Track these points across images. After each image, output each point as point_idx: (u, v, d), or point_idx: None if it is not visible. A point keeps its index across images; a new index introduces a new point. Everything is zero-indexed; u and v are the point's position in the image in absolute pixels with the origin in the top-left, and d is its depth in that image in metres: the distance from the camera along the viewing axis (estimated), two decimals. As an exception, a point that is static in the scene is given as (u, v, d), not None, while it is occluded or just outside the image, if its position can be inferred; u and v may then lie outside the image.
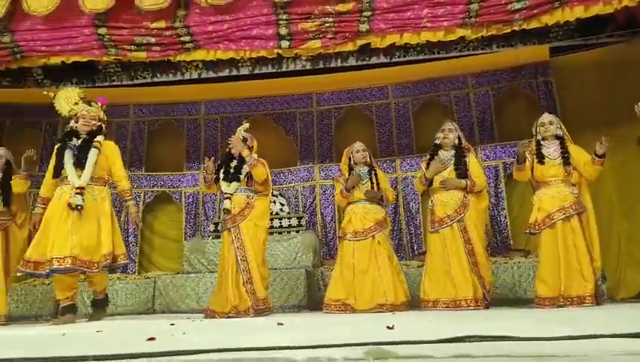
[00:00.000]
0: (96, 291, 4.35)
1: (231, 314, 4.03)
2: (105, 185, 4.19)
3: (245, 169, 4.37)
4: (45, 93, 4.26)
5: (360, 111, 6.89)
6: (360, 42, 5.08)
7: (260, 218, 4.37)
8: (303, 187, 6.70)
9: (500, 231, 5.99)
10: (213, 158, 4.52)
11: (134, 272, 6.17)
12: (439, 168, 4.43)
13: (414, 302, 4.53)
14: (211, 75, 5.99)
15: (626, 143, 5.42)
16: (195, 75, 5.98)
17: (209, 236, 6.13)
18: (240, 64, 5.88)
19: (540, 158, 4.29)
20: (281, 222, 6.17)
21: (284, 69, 5.85)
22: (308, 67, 5.83)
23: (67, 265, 3.75)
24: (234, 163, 4.43)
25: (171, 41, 5.03)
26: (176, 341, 2.03)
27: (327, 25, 4.90)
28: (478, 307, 4.11)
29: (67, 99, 4.25)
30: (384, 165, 6.33)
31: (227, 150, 4.55)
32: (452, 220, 4.33)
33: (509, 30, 4.92)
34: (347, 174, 4.78)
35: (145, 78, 6.09)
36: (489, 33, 4.93)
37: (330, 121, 6.89)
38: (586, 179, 4.27)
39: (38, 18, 4.78)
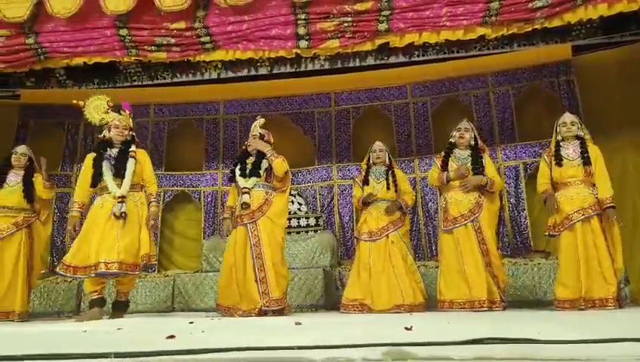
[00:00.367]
0: (121, 292, 4.39)
1: (249, 312, 3.98)
2: (141, 190, 4.37)
3: (264, 164, 4.32)
4: (74, 102, 4.37)
5: (378, 111, 6.86)
6: (379, 42, 5.06)
7: (279, 216, 4.29)
8: (321, 187, 6.70)
9: (520, 232, 5.91)
10: None
11: (154, 271, 6.23)
12: (464, 174, 4.34)
13: (432, 303, 4.50)
14: (230, 75, 6.05)
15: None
16: (214, 75, 6.04)
17: (228, 235, 6.15)
18: (259, 64, 5.92)
19: (558, 160, 4.23)
20: (299, 222, 6.18)
21: (302, 69, 5.87)
22: (326, 67, 5.84)
23: (114, 270, 3.94)
24: (251, 159, 4.40)
25: (191, 41, 5.08)
26: (195, 339, 2.05)
27: (346, 24, 4.89)
28: (494, 308, 4.06)
29: (96, 108, 4.35)
30: (402, 165, 6.29)
31: (244, 147, 4.55)
32: (466, 220, 4.28)
33: (530, 29, 4.86)
34: (364, 173, 4.83)
35: (165, 78, 6.17)
36: (510, 32, 4.87)
37: (348, 121, 6.88)
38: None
39: (61, 20, 4.87)
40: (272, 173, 4.34)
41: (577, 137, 4.26)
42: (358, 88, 6.89)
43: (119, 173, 4.22)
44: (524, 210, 5.95)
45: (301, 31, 4.94)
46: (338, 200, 6.59)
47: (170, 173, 6.84)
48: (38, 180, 4.76)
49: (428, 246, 6.23)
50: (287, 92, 6.96)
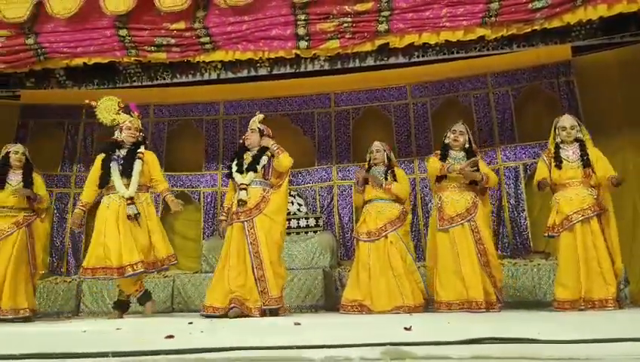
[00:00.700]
0: (124, 292, 4.42)
1: (233, 307, 3.90)
2: (147, 192, 4.47)
3: (263, 160, 4.28)
4: (87, 102, 4.51)
5: (378, 112, 6.86)
6: (378, 42, 5.06)
7: (277, 213, 4.21)
8: (321, 187, 6.70)
9: (519, 233, 5.91)
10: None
11: (153, 271, 6.22)
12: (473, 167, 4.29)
13: (431, 303, 4.48)
14: (230, 75, 6.03)
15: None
16: (214, 76, 6.03)
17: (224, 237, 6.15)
18: (258, 65, 5.91)
19: (558, 162, 4.23)
20: (298, 223, 6.18)
21: (302, 70, 5.87)
22: (326, 67, 5.83)
23: (140, 269, 4.07)
24: (248, 154, 4.35)
25: (191, 42, 5.08)
26: (194, 339, 2.05)
27: (346, 25, 4.89)
28: (491, 308, 4.05)
29: (107, 108, 4.46)
30: (402, 166, 6.25)
31: (241, 142, 4.49)
32: (463, 219, 4.25)
33: (529, 29, 4.85)
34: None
35: (165, 78, 6.17)
36: (509, 33, 4.87)
37: (348, 122, 6.88)
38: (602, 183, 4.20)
39: (61, 20, 4.87)
40: (271, 170, 4.29)
41: (577, 140, 4.27)
42: (357, 89, 6.89)
43: (127, 174, 4.29)
44: (524, 210, 5.95)
45: (301, 31, 4.94)
46: (338, 200, 6.59)
47: (169, 173, 6.82)
48: (37, 178, 4.77)
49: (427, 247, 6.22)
50: (287, 92, 6.96)
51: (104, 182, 4.33)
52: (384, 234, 4.48)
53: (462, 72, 6.49)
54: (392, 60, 5.80)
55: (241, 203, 4.13)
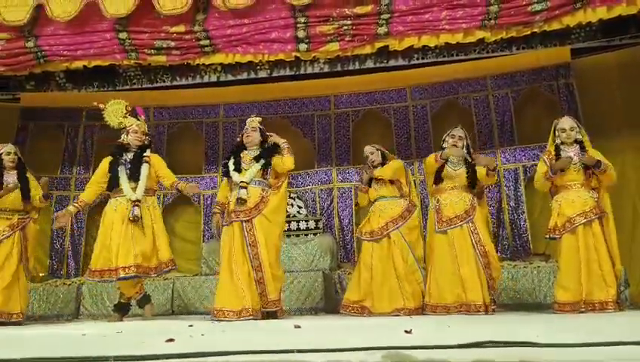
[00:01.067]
0: (125, 295, 4.43)
1: (244, 315, 3.84)
2: (154, 195, 4.52)
3: (263, 160, 4.23)
4: (95, 104, 4.55)
5: (378, 114, 6.87)
6: (378, 45, 5.06)
7: (276, 214, 4.17)
8: (321, 190, 6.69)
9: (519, 235, 5.91)
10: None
11: (155, 275, 6.21)
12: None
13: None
14: (230, 78, 6.03)
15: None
16: (213, 79, 6.02)
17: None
18: (258, 67, 5.89)
19: None
20: (298, 225, 6.18)
21: (302, 72, 5.87)
22: (326, 70, 5.82)
23: (132, 273, 4.08)
24: (246, 153, 4.31)
25: (191, 44, 5.09)
26: (194, 342, 2.05)
27: (346, 28, 4.90)
28: (489, 311, 4.03)
29: (115, 111, 4.52)
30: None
31: (239, 140, 4.43)
32: (462, 221, 4.25)
33: (529, 32, 4.86)
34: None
35: (164, 81, 6.14)
36: (509, 35, 4.88)
37: (347, 124, 6.88)
38: (606, 183, 4.19)
39: (61, 23, 4.88)
40: (269, 170, 4.25)
41: (577, 141, 4.27)
42: (357, 91, 6.90)
43: (134, 177, 4.33)
44: (524, 212, 5.95)
45: (301, 34, 4.95)
46: (338, 203, 6.59)
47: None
48: (31, 177, 4.73)
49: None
50: (287, 95, 6.97)
51: (113, 185, 4.37)
52: (386, 233, 4.43)
53: (461, 75, 6.50)
54: (392, 63, 5.78)
55: (241, 201, 4.06)
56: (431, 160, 4.49)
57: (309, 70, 5.81)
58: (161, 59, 5.23)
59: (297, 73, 5.88)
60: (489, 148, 6.28)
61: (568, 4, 4.59)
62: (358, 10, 4.82)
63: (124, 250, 4.11)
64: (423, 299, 4.35)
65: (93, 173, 4.72)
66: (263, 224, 4.06)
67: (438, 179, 4.44)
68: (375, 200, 4.62)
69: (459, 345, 1.42)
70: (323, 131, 6.89)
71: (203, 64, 5.50)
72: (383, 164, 4.65)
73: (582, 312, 3.90)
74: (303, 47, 5.05)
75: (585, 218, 4.06)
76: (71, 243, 6.56)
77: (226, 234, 4.13)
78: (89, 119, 6.89)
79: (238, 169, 4.21)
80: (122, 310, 4.45)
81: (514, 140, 6.25)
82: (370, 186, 4.66)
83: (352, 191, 6.51)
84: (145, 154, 4.45)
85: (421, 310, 4.31)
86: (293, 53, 5.13)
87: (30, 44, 5.01)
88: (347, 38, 5.00)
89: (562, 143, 4.30)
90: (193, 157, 7.03)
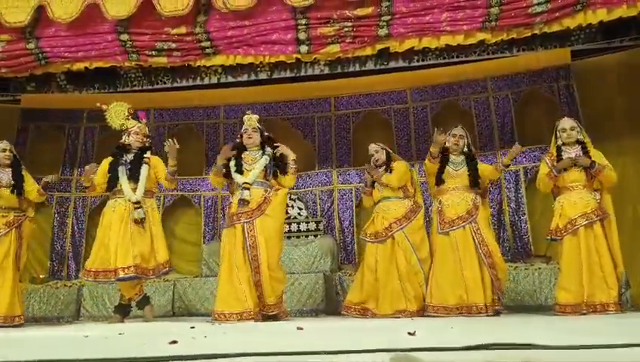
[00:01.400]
0: (125, 296, 4.45)
1: (245, 317, 3.83)
2: (152, 197, 4.55)
3: (264, 161, 4.24)
4: (98, 105, 4.59)
5: (378, 116, 6.87)
6: (379, 46, 5.06)
7: (278, 214, 4.16)
8: (321, 191, 6.69)
9: (520, 237, 5.91)
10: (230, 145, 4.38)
11: (152, 277, 6.21)
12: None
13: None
14: (230, 79, 6.03)
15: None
16: (214, 80, 6.02)
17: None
18: (259, 69, 5.90)
19: None
20: (299, 227, 6.17)
21: (302, 74, 5.87)
22: (326, 72, 5.82)
23: (131, 274, 4.10)
24: (247, 154, 4.30)
25: (191, 46, 5.09)
26: (197, 344, 2.05)
27: (346, 29, 4.90)
28: (491, 311, 4.03)
29: (117, 113, 4.57)
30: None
31: (239, 141, 4.39)
32: (464, 221, 4.24)
33: (529, 33, 4.86)
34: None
35: (165, 83, 6.14)
36: (509, 37, 4.88)
37: (348, 126, 6.88)
38: (606, 184, 4.19)
39: (62, 25, 4.88)
40: (271, 171, 4.24)
41: (578, 142, 4.27)
42: (357, 93, 6.90)
43: (134, 178, 4.36)
44: (525, 214, 5.95)
45: (302, 36, 4.95)
46: (338, 204, 6.58)
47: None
48: (28, 175, 4.67)
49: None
50: (287, 97, 6.97)
51: (112, 185, 4.40)
52: (390, 234, 4.41)
53: (462, 76, 6.51)
54: (392, 64, 5.78)
55: (244, 203, 4.03)
56: (427, 162, 4.52)
57: (310, 72, 5.81)
58: (162, 60, 5.23)
59: (298, 75, 5.88)
60: (489, 149, 6.28)
61: (569, 6, 4.59)
62: (359, 12, 4.82)
63: (123, 251, 4.12)
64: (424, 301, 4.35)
65: (93, 174, 4.70)
66: (264, 225, 4.02)
67: (440, 180, 4.43)
68: (379, 201, 4.60)
69: (465, 347, 1.42)
70: (323, 133, 6.89)
71: (204, 66, 5.50)
72: (387, 163, 4.64)
73: (583, 314, 3.90)
74: (303, 48, 5.05)
75: (586, 219, 4.07)
76: (71, 244, 6.56)
77: (226, 236, 4.12)
78: (90, 121, 6.89)
79: (240, 170, 4.20)
80: (123, 311, 4.45)
81: (514, 142, 6.21)
82: (372, 188, 4.65)
83: (353, 192, 6.51)
84: (145, 155, 4.47)
85: (423, 312, 4.30)
86: (294, 55, 5.13)
87: (31, 45, 5.01)
88: (348, 40, 5.00)
89: (564, 144, 4.31)
90: (194, 158, 7.00)
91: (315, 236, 6.03)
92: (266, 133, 4.44)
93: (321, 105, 6.99)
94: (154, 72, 6.00)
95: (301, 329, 2.85)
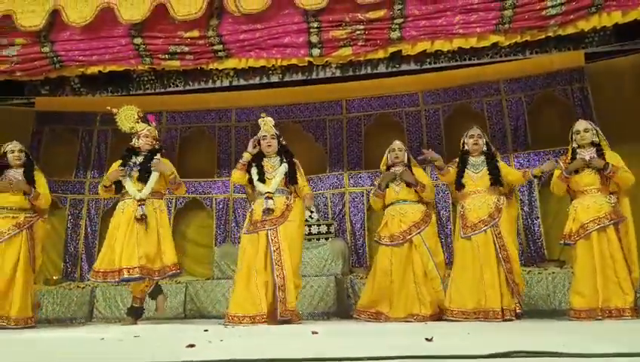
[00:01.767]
0: (136, 298, 4.47)
1: (258, 321, 3.87)
2: (162, 198, 4.56)
3: (283, 169, 4.29)
4: (108, 109, 4.65)
5: (390, 118, 6.85)
6: (391, 49, 5.05)
7: (299, 220, 4.25)
8: (333, 194, 6.69)
9: (533, 241, 5.86)
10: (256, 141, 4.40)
11: (159, 278, 6.25)
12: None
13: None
14: (242, 82, 6.05)
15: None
16: (226, 83, 6.05)
17: (239, 242, 6.14)
18: (270, 72, 5.92)
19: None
20: (310, 229, 6.16)
21: (313, 77, 5.88)
22: (338, 74, 5.83)
23: (136, 275, 4.13)
24: (267, 162, 4.35)
25: (204, 49, 5.10)
26: (214, 348, 2.04)
27: (358, 32, 4.89)
28: (509, 318, 3.99)
29: (127, 117, 4.60)
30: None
31: (257, 147, 4.39)
32: (486, 225, 4.19)
33: (543, 36, 4.83)
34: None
35: (177, 86, 6.19)
36: (523, 39, 4.86)
37: (359, 128, 6.87)
38: (623, 186, 4.14)
39: (77, 29, 4.91)
40: (291, 179, 4.29)
41: (593, 144, 4.23)
42: (369, 95, 6.90)
43: (143, 179, 4.38)
44: (538, 218, 5.90)
45: (314, 39, 4.94)
46: (349, 207, 6.58)
47: (182, 180, 6.85)
48: (39, 176, 4.65)
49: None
50: (299, 99, 6.97)
51: (119, 187, 4.44)
52: (409, 237, 4.38)
53: (474, 79, 6.48)
54: (404, 67, 5.78)
55: (269, 212, 4.12)
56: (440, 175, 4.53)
57: (321, 75, 5.82)
58: (175, 64, 5.25)
59: (309, 78, 5.89)
60: (502, 153, 6.21)
61: (583, 9, 4.55)
62: (371, 14, 4.80)
63: (129, 251, 4.16)
64: (439, 307, 4.33)
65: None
66: (287, 231, 4.12)
67: (460, 185, 4.39)
68: (392, 203, 4.54)
69: (489, 354, 1.40)
70: (335, 136, 6.89)
71: (216, 69, 5.52)
72: (407, 166, 4.62)
73: (598, 319, 3.86)
74: (315, 51, 5.05)
75: (598, 224, 4.03)
76: (84, 246, 6.61)
77: (248, 242, 4.18)
78: (103, 123, 6.95)
79: (262, 179, 4.26)
80: (136, 314, 4.47)
81: (528, 145, 6.21)
82: (385, 191, 4.60)
83: (364, 195, 6.50)
84: (156, 157, 4.51)
85: (436, 317, 4.27)
86: (306, 58, 5.13)
87: (46, 49, 5.05)
88: (360, 43, 4.99)
89: (578, 146, 4.27)
90: (205, 161, 7.06)
91: (327, 239, 6.02)
92: (281, 139, 4.49)
93: (332, 108, 6.99)
94: (166, 75, 6.06)
95: (316, 333, 2.84)
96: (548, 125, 6.23)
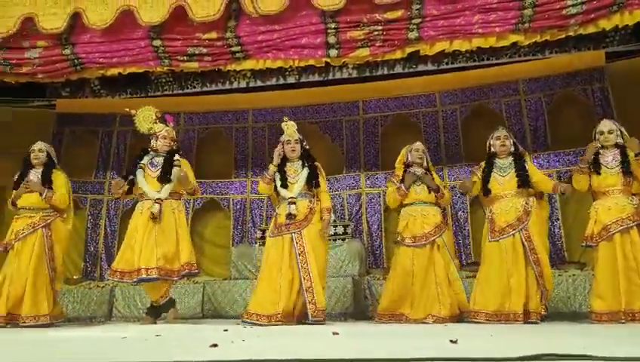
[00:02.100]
0: (155, 298, 4.49)
1: (274, 320, 3.93)
2: (180, 199, 4.57)
3: (306, 173, 4.32)
4: (127, 110, 4.67)
5: (407, 119, 6.83)
6: (409, 50, 5.02)
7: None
8: (349, 195, 6.68)
9: (553, 243, 5.77)
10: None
11: (177, 279, 6.30)
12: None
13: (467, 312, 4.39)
14: (259, 83, 6.08)
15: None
16: (243, 84, 6.09)
17: (256, 242, 6.20)
18: (287, 73, 5.94)
19: (597, 168, 4.13)
20: (326, 230, 6.15)
21: (330, 78, 5.88)
22: (354, 75, 5.83)
23: (153, 275, 4.14)
24: (290, 166, 4.39)
25: (222, 51, 5.13)
26: (237, 348, 2.05)
27: (376, 33, 4.88)
28: (534, 321, 3.94)
29: (145, 118, 4.61)
30: (433, 173, 6.24)
31: (281, 153, 4.42)
32: (514, 229, 4.13)
33: (563, 35, 4.77)
34: (401, 173, 4.61)
35: (195, 87, 6.25)
36: (543, 39, 4.80)
37: (376, 129, 6.85)
38: None
39: (97, 31, 4.97)
40: (314, 182, 4.32)
41: (617, 145, 4.16)
42: (386, 96, 6.88)
43: (165, 180, 4.39)
44: (558, 219, 5.83)
45: (331, 40, 4.94)
46: (366, 208, 6.56)
47: (199, 180, 6.86)
48: (59, 177, 4.68)
49: (458, 256, 6.13)
50: (315, 100, 6.98)
51: (131, 187, 4.46)
52: (431, 239, 4.37)
53: (492, 79, 6.43)
54: (421, 68, 5.77)
55: (293, 216, 4.19)
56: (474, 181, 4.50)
57: (338, 75, 5.83)
58: (193, 65, 5.29)
59: (326, 79, 5.89)
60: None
61: (604, 7, 4.49)
62: (389, 15, 4.79)
63: (147, 252, 4.18)
64: (458, 308, 4.32)
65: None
66: (311, 234, 4.18)
67: (487, 190, 4.34)
68: (412, 204, 4.52)
69: (519, 357, 1.38)
70: (351, 136, 6.88)
71: (233, 70, 5.54)
72: (426, 169, 4.62)
73: (622, 323, 3.80)
74: (333, 52, 5.05)
75: (621, 225, 3.96)
76: (104, 245, 6.69)
77: (273, 244, 4.25)
78: (122, 124, 7.03)
79: (285, 184, 4.31)
80: (155, 313, 4.49)
81: (547, 145, 6.14)
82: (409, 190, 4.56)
83: (381, 196, 6.47)
84: (175, 157, 4.53)
85: (455, 319, 4.25)
86: (324, 59, 5.13)
87: (67, 51, 5.12)
88: (378, 44, 4.98)
89: (602, 147, 4.20)
90: (223, 162, 7.10)
91: (343, 240, 6.00)
92: (304, 143, 4.51)
93: (349, 109, 6.98)
94: (184, 76, 6.11)
95: (337, 334, 2.84)
96: (568, 125, 6.15)
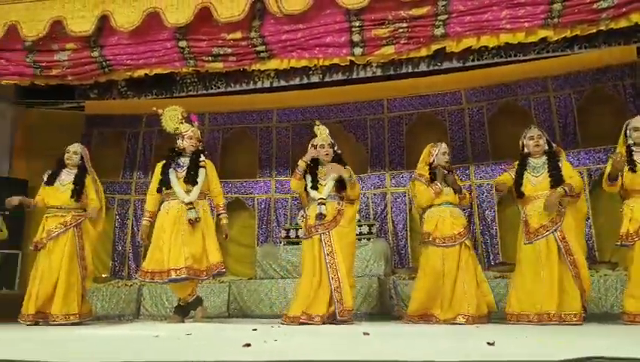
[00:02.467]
0: (182, 297, 4.54)
1: (315, 320, 4.03)
2: (205, 199, 4.62)
3: (334, 175, 4.35)
4: (154, 110, 4.74)
5: (432, 117, 6.76)
6: (434, 47, 4.94)
7: (350, 225, 4.39)
8: (374, 194, 6.64)
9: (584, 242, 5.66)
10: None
11: (206, 278, 6.35)
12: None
13: (502, 314, 4.33)
14: (282, 83, 6.09)
15: None
16: (267, 84, 6.10)
17: (281, 242, 6.21)
18: (311, 72, 5.93)
19: (632, 166, 4.02)
20: (352, 230, 6.12)
21: (354, 76, 5.85)
22: (378, 74, 5.79)
23: (183, 275, 4.21)
24: (321, 169, 4.43)
25: (247, 51, 5.14)
26: (269, 348, 2.05)
27: (401, 30, 4.82)
28: (576, 322, 3.85)
29: (172, 117, 4.67)
30: (457, 172, 6.14)
31: (313, 153, 4.43)
32: (548, 231, 4.06)
33: (594, 30, 4.65)
34: (426, 173, 4.56)
35: (219, 87, 6.29)
36: (573, 34, 4.68)
37: (401, 128, 6.80)
38: None
39: (124, 33, 5.02)
40: (343, 185, 4.34)
41: (652, 142, 4.05)
42: (410, 94, 6.82)
43: (192, 181, 4.44)
44: (589, 218, 5.67)
45: (356, 38, 4.90)
46: (392, 208, 6.52)
47: (224, 180, 6.91)
48: (92, 184, 4.77)
49: (485, 256, 6.05)
50: (340, 99, 6.96)
51: (162, 187, 4.49)
52: (460, 240, 4.34)
53: (520, 75, 6.31)
54: (446, 65, 5.70)
55: (322, 217, 4.24)
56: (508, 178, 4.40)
57: (362, 74, 5.80)
58: (218, 65, 5.30)
59: (350, 77, 5.86)
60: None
61: (637, 1, 4.37)
62: (414, 11, 4.72)
63: (176, 252, 4.23)
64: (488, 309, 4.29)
65: (151, 177, 4.83)
66: (340, 234, 4.24)
67: (520, 192, 4.26)
68: (439, 204, 4.47)
69: (566, 360, 1.34)
70: (376, 135, 6.84)
71: (257, 70, 5.55)
72: (449, 171, 4.57)
73: (658, 324, 3.69)
74: (357, 51, 5.00)
75: (658, 223, 3.86)
76: (131, 245, 6.79)
77: (307, 247, 4.35)
78: (148, 125, 7.11)
79: (315, 186, 4.36)
80: (182, 312, 4.54)
81: (577, 143, 6.00)
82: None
83: (406, 195, 6.42)
84: (201, 159, 4.57)
85: (484, 319, 4.20)
86: (348, 57, 5.09)
87: (95, 53, 5.19)
88: (403, 41, 4.91)
89: (634, 144, 4.09)
90: (247, 161, 7.14)
91: (369, 239, 5.97)
92: (336, 147, 4.54)
93: (373, 108, 6.94)
94: (208, 77, 6.16)
95: (367, 334, 2.82)
96: (598, 122, 6.00)
